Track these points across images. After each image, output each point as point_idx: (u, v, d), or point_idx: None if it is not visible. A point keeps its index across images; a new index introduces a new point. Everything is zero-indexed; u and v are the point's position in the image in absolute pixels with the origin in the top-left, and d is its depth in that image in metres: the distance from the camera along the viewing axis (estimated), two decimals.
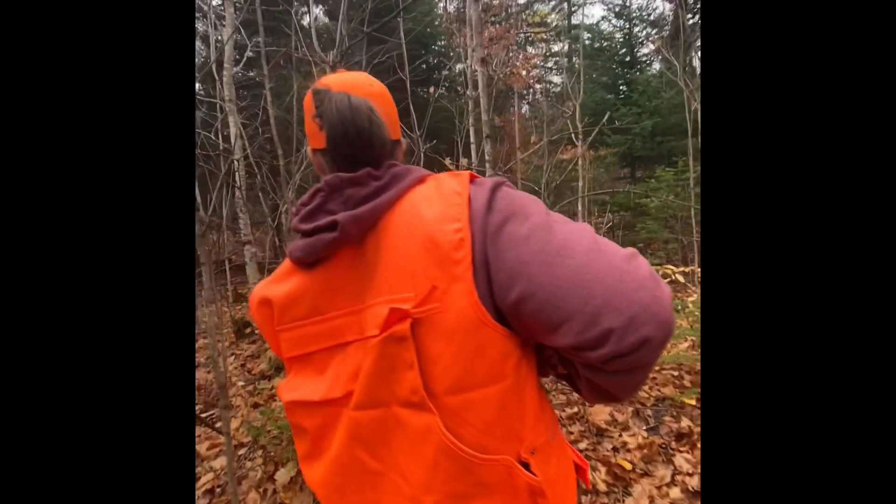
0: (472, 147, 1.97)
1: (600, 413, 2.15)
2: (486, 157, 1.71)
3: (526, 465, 0.52)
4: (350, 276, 0.55)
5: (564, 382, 0.61)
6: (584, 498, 1.66)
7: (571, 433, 2.05)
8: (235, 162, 3.31)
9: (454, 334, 0.48)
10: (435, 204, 0.51)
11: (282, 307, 0.58)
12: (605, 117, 2.51)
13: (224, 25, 3.47)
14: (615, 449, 1.92)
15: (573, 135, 3.06)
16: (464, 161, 2.01)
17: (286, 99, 4.67)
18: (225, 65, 3.41)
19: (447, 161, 2.05)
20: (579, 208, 3.92)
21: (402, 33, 2.52)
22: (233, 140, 3.49)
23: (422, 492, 0.51)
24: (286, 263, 0.61)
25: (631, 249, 0.47)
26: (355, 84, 0.58)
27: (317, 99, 0.57)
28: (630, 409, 2.23)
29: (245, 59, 3.74)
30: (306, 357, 0.58)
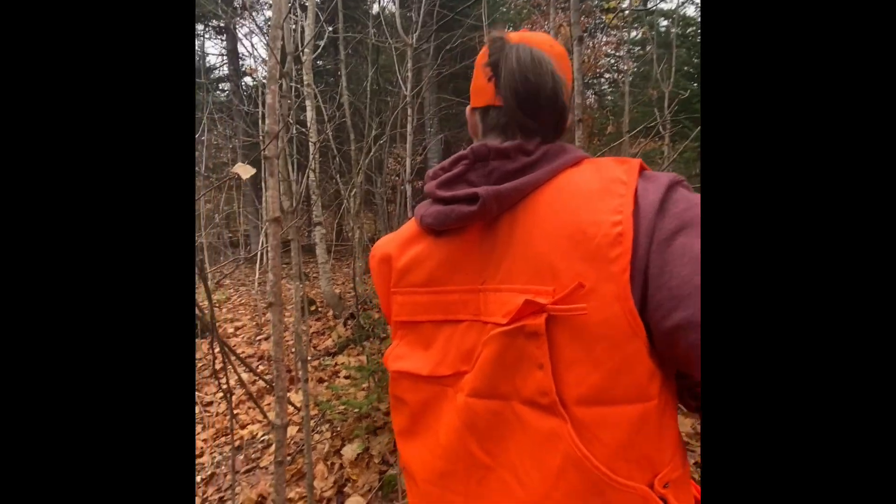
0: (577, 133, 1.86)
1: (682, 425, 2.00)
2: (577, 144, 1.61)
3: (663, 500, 0.45)
4: (476, 252, 0.51)
5: (691, 414, 0.54)
6: None
7: None
8: (311, 145, 3.42)
9: (597, 341, 0.42)
10: (591, 190, 0.45)
11: (401, 270, 0.57)
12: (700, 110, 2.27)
13: (304, 13, 3.58)
14: (697, 464, 1.78)
15: (660, 125, 2.85)
16: None
17: (360, 87, 4.76)
18: (305, 50, 3.52)
19: None
20: None
21: (484, 14, 2.45)
22: (309, 124, 3.61)
23: (539, 499, 0.46)
24: (412, 225, 0.59)
25: None
26: (537, 40, 0.53)
27: (493, 47, 0.53)
28: None
29: (322, 46, 3.84)
30: (414, 325, 0.56)
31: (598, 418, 0.44)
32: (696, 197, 0.45)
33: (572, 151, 0.51)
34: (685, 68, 6.52)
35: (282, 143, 1.35)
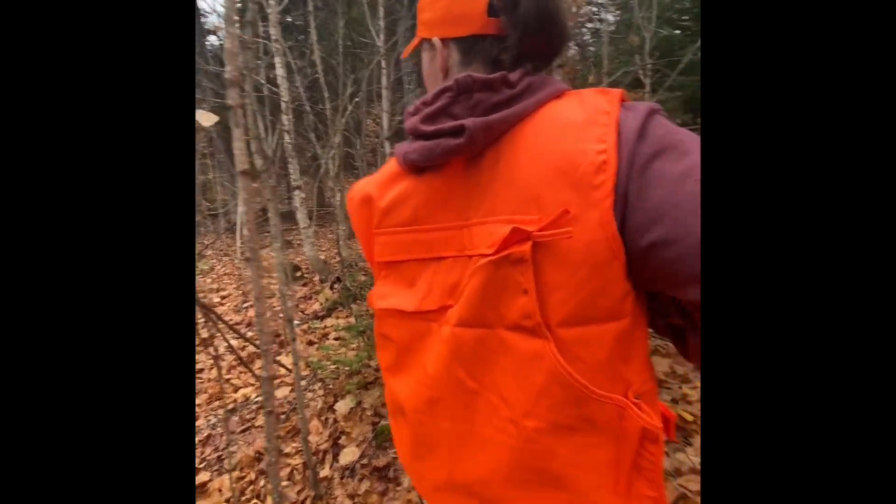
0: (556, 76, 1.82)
1: (659, 364, 2.10)
2: None
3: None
4: (459, 188, 0.51)
5: (663, 337, 0.56)
6: None
7: None
8: (283, 104, 3.29)
9: (580, 265, 0.44)
10: (576, 121, 0.46)
11: (384, 211, 0.56)
12: (687, 57, 2.24)
13: None
14: (674, 400, 1.89)
15: (641, 71, 2.80)
16: None
17: (332, 42, 4.53)
18: (270, 1, 3.30)
19: None
20: None
21: None
22: (279, 82, 3.45)
23: (522, 416, 0.49)
24: (392, 165, 0.58)
25: None
26: None
27: None
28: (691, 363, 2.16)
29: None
30: (397, 264, 0.57)
31: (579, 337, 0.46)
32: (674, 125, 0.46)
33: (554, 83, 0.51)
34: (667, 13, 6.34)
35: (246, 93, 1.29)
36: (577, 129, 0.45)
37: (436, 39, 0.56)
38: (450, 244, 0.52)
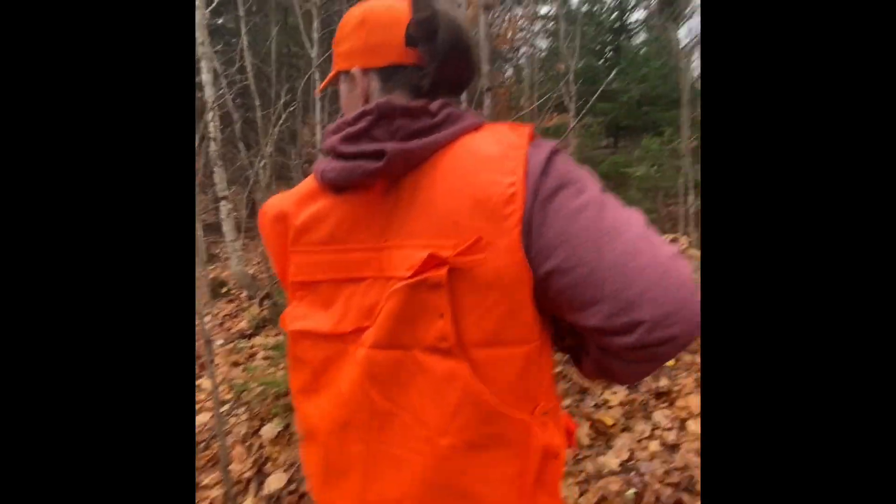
0: (485, 101, 1.89)
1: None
2: (486, 113, 1.65)
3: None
4: (378, 210, 0.52)
5: (564, 353, 0.61)
6: (567, 451, 1.74)
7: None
8: (210, 111, 3.11)
9: (491, 289, 0.47)
10: (491, 154, 0.49)
11: (300, 228, 0.56)
12: (603, 85, 2.45)
13: None
14: (597, 406, 2.00)
15: (565, 99, 3.00)
16: None
17: (263, 46, 4.38)
18: (196, 2, 3.13)
19: None
20: None
21: None
22: (206, 87, 3.27)
23: (437, 434, 0.50)
24: (310, 182, 0.57)
25: (676, 247, 0.46)
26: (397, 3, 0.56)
27: (420, 3, 0.54)
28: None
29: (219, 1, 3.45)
30: (312, 285, 0.56)
31: (492, 358, 0.49)
32: (572, 162, 0.51)
33: (472, 117, 0.54)
34: (590, 45, 6.89)
35: None
36: (492, 162, 0.48)
37: (356, 69, 0.57)
38: (368, 266, 0.53)
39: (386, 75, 0.56)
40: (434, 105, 0.52)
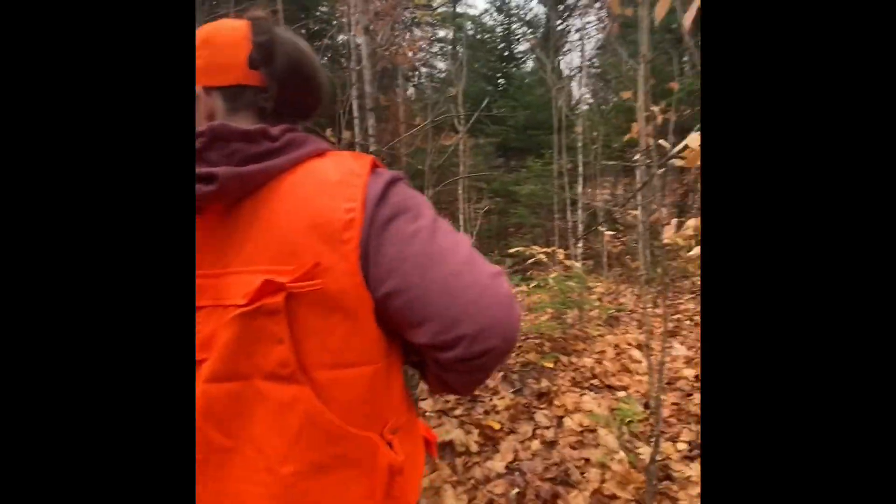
0: (356, 121, 1.91)
1: None
2: (370, 132, 1.67)
3: (389, 445, 0.54)
4: (213, 236, 0.51)
5: (413, 369, 0.65)
6: (458, 459, 1.79)
7: (448, 401, 2.18)
8: None
9: (333, 312, 0.48)
10: (332, 180, 0.50)
11: None
12: (484, 103, 2.65)
13: None
14: (486, 412, 2.10)
15: (455, 118, 3.17)
16: (346, 134, 1.94)
17: None
18: None
19: (328, 133, 1.95)
20: (459, 191, 4.11)
21: None
22: None
23: (278, 462, 0.49)
24: None
25: (498, 268, 0.51)
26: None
27: (259, 27, 0.54)
28: (500, 374, 2.45)
29: None
30: None
31: (336, 380, 0.49)
32: (412, 192, 0.54)
33: (315, 142, 0.54)
34: (484, 70, 7.38)
35: None
36: (332, 188, 0.49)
37: (199, 88, 0.55)
38: (205, 293, 0.50)
39: (230, 95, 0.55)
40: (276, 129, 0.51)
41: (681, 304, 3.71)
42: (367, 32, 1.55)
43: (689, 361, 2.53)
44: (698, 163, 0.97)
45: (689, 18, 1.08)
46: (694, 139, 0.98)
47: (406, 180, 0.56)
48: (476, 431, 1.93)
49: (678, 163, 1.13)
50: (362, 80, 1.64)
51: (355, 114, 1.96)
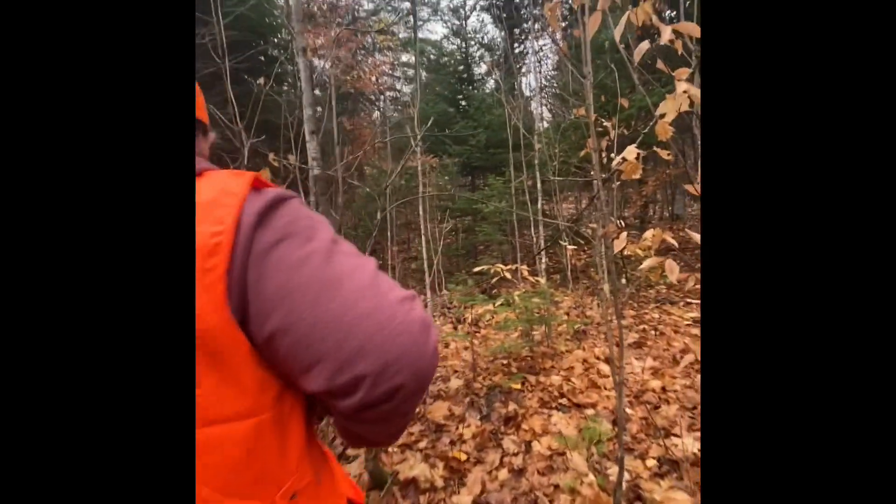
0: (309, 145, 1.84)
1: (439, 410, 2.22)
2: (312, 155, 1.61)
3: None
4: None
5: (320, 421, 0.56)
6: (422, 497, 1.68)
7: (412, 434, 2.07)
8: None
9: (197, 356, 0.39)
10: (202, 202, 0.42)
11: None
12: (429, 123, 2.64)
13: None
14: (452, 442, 2.00)
15: (412, 139, 3.15)
16: (290, 158, 1.86)
17: None
18: None
19: (271, 157, 1.87)
20: (421, 212, 4.08)
21: (219, 14, 2.23)
22: None
23: None
24: None
25: (411, 292, 0.43)
26: None
27: None
28: (466, 400, 2.36)
29: None
30: None
31: (204, 442, 0.40)
32: (306, 212, 0.46)
33: (197, 163, 0.47)
34: (445, 93, 7.50)
35: None
36: (200, 210, 0.42)
37: None
38: None
39: None
40: None
41: (646, 314, 3.73)
42: (304, 54, 1.50)
43: (655, 372, 2.52)
44: (635, 175, 0.95)
45: (618, 33, 1.08)
46: (630, 152, 0.96)
47: (299, 199, 0.48)
48: (441, 465, 1.83)
49: (634, 175, 1.11)
50: (301, 104, 1.58)
51: (307, 136, 1.89)
